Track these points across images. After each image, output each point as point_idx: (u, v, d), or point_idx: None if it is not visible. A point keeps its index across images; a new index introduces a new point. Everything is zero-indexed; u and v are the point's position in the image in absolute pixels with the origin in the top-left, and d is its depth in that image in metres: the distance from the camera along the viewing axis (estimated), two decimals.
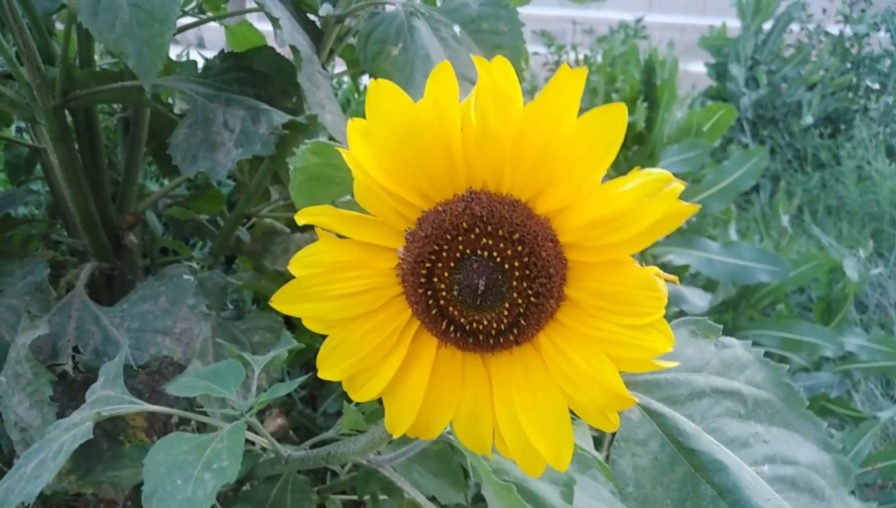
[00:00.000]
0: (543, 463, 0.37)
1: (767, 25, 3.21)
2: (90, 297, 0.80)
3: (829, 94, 3.06)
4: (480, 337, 0.37)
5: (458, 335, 0.37)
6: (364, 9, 0.84)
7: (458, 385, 0.39)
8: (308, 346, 1.04)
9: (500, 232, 0.35)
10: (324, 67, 0.86)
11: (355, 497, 0.88)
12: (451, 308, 0.37)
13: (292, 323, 1.05)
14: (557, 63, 3.17)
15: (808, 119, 2.97)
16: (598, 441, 1.07)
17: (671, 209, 0.32)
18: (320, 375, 0.40)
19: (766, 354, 0.44)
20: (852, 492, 0.39)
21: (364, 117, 0.36)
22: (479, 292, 0.35)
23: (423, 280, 0.36)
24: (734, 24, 3.28)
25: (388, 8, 0.82)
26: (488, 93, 0.33)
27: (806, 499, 0.39)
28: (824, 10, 3.50)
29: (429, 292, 0.37)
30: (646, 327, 0.34)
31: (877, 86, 3.13)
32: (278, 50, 0.89)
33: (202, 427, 0.77)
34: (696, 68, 3.48)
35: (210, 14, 0.98)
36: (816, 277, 1.60)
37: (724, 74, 3.16)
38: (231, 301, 1.22)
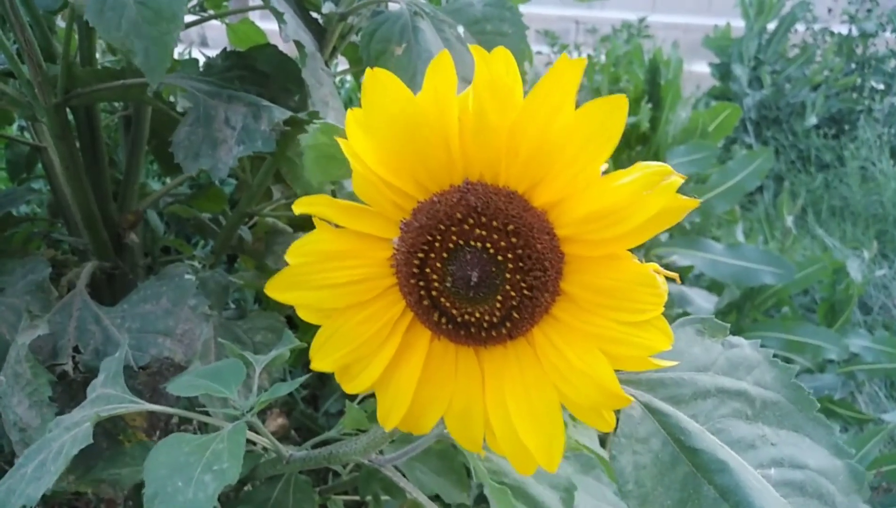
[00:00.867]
0: (535, 462, 0.36)
1: (772, 25, 3.20)
2: (91, 296, 0.80)
3: (833, 94, 3.05)
4: (473, 330, 0.36)
5: (451, 326, 0.37)
6: (367, 7, 0.83)
7: (450, 379, 0.39)
8: (310, 346, 1.03)
9: (495, 223, 0.34)
10: (326, 65, 0.85)
11: (357, 498, 0.88)
12: (443, 299, 0.36)
13: (294, 323, 1.04)
14: None
15: (812, 120, 2.96)
16: (602, 442, 1.06)
17: (670, 203, 0.32)
18: (313, 366, 0.40)
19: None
20: (866, 501, 0.38)
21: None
22: (472, 283, 0.35)
23: (416, 271, 0.36)
24: (738, 24, 3.27)
25: (392, 6, 0.81)
26: (485, 84, 0.33)
27: (815, 505, 0.37)
28: (829, 10, 3.49)
29: (421, 283, 0.36)
30: (643, 324, 0.34)
31: (882, 86, 3.12)
32: (280, 48, 0.89)
33: (203, 427, 0.77)
34: (699, 68, 3.47)
35: (212, 12, 0.98)
36: (820, 278, 1.59)
37: (728, 74, 3.15)
38: (233, 301, 1.22)
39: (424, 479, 0.71)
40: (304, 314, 0.40)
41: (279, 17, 0.74)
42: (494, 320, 0.36)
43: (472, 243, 0.35)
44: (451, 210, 0.35)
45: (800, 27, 3.31)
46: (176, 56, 1.06)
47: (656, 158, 1.73)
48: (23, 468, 0.55)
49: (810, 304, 1.98)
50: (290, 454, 0.63)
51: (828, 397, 1.40)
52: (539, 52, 3.18)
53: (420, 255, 0.36)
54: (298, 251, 0.39)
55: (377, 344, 0.39)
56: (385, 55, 0.78)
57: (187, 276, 0.78)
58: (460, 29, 0.84)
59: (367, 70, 0.35)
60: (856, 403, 1.58)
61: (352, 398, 0.84)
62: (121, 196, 0.99)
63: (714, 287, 1.61)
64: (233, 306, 1.21)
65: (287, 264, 0.39)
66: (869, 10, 3.23)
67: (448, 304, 0.36)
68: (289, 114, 0.78)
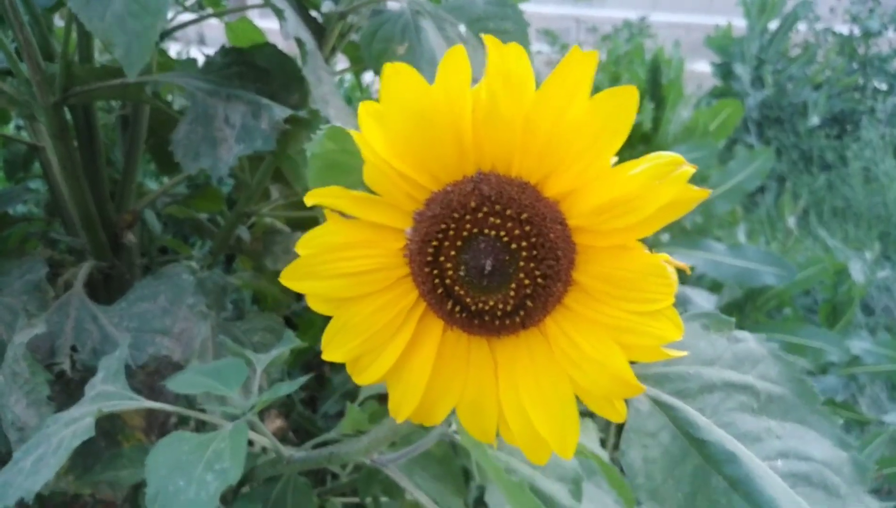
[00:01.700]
0: (549, 451, 0.36)
1: (774, 25, 3.19)
2: (88, 296, 0.79)
3: (835, 94, 3.04)
4: (486, 318, 0.37)
5: (464, 316, 0.37)
6: (367, 6, 0.83)
7: (462, 369, 0.39)
8: (309, 347, 1.03)
9: (508, 212, 0.35)
10: (326, 64, 0.85)
11: (356, 500, 0.87)
12: (457, 288, 0.37)
13: (293, 324, 1.04)
14: None
15: (815, 120, 2.96)
16: (602, 444, 1.06)
17: (680, 193, 0.32)
18: (324, 356, 0.40)
19: None
20: (870, 491, 0.38)
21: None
22: (486, 272, 0.35)
23: (429, 259, 0.36)
24: (740, 24, 3.26)
25: (392, 5, 0.80)
26: (499, 75, 0.33)
27: (820, 495, 0.38)
28: (832, 10, 3.48)
29: (435, 272, 0.37)
30: (654, 313, 0.34)
31: (884, 86, 3.11)
32: (280, 47, 0.89)
33: (201, 427, 0.76)
34: (701, 68, 3.47)
35: (210, 11, 0.97)
36: (822, 280, 1.59)
37: (730, 73, 3.14)
38: (231, 301, 1.22)
39: (422, 483, 0.71)
40: (315, 305, 0.40)
41: (279, 14, 0.73)
42: (508, 308, 0.36)
43: (486, 231, 0.35)
44: (464, 199, 0.35)
45: (802, 27, 3.30)
46: (174, 55, 1.06)
47: None
48: (21, 462, 0.55)
49: (812, 305, 1.97)
50: (290, 454, 0.62)
51: (829, 399, 1.40)
52: (539, 52, 3.18)
53: (434, 243, 0.36)
54: (310, 243, 0.39)
55: (389, 334, 0.39)
56: (387, 55, 0.77)
57: (185, 275, 0.78)
58: (462, 27, 0.83)
59: (388, 65, 0.35)
60: (857, 405, 1.58)
61: (352, 399, 0.84)
62: (118, 196, 0.98)
63: (716, 288, 1.60)
64: (231, 306, 1.20)
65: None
66: (871, 10, 3.23)
67: (462, 292, 0.37)
68: (289, 112, 0.77)
